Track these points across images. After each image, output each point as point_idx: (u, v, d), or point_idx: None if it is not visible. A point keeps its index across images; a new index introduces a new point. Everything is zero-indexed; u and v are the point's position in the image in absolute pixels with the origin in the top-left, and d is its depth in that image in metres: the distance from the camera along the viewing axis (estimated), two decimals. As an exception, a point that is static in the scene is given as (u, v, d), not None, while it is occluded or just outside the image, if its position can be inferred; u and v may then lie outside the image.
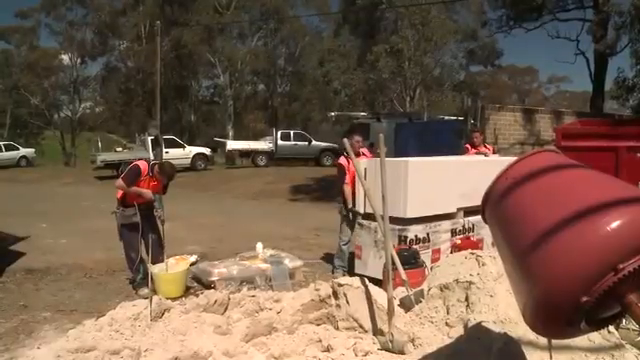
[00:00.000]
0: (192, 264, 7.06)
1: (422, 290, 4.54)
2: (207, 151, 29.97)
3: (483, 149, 8.71)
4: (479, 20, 31.81)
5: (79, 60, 46.40)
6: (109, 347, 3.99)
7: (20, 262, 8.34)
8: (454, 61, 37.33)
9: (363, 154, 7.26)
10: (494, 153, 9.04)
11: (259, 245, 7.57)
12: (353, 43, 36.37)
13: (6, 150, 34.52)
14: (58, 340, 4.60)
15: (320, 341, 4.23)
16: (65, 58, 46.69)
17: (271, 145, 29.55)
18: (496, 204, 1.94)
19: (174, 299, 5.34)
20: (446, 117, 24.50)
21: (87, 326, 4.51)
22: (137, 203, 6.48)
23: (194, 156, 28.37)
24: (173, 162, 8.12)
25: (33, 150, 38.48)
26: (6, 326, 5.55)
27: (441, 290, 4.27)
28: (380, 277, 5.57)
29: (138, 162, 6.69)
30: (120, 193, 6.57)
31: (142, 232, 6.53)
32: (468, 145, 8.95)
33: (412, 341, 4.04)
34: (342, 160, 7.22)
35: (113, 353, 3.95)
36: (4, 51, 48.27)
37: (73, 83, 46.31)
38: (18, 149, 36.08)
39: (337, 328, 4.45)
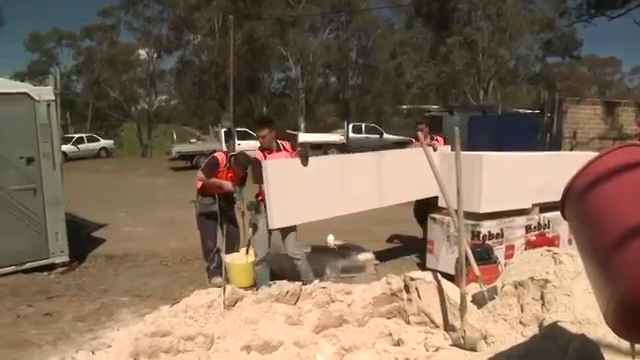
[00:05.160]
0: (264, 255, 7.15)
1: (495, 287, 4.45)
2: (278, 143, 30.19)
3: (429, 141, 7.66)
4: (557, 9, 30.76)
5: (155, 54, 47.86)
6: (184, 333, 4.10)
7: (101, 248, 8.74)
8: (530, 53, 36.38)
9: (284, 149, 6.17)
10: (445, 144, 7.76)
11: (330, 237, 7.60)
12: (425, 35, 36.00)
13: (88, 142, 36.02)
14: (136, 323, 4.79)
15: (391, 335, 4.23)
16: (142, 53, 48.33)
17: (342, 138, 29.57)
18: (577, 200, 1.88)
19: (247, 288, 5.43)
20: (521, 110, 23.89)
21: (163, 312, 4.65)
22: (217, 194, 6.63)
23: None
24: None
25: (112, 142, 40.00)
26: (89, 308, 5.85)
27: (515, 287, 4.18)
28: (452, 272, 5.50)
29: (216, 154, 6.83)
30: (200, 184, 6.72)
31: (219, 222, 6.68)
32: (413, 139, 8.29)
33: (484, 338, 3.97)
34: (259, 155, 6.01)
35: (187, 339, 4.06)
36: (88, 48, 50.64)
37: (150, 77, 47.87)
38: (98, 140, 37.62)
39: (408, 322, 4.43)
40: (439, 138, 7.75)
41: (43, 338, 5.07)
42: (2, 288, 6.69)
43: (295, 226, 5.97)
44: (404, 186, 6.82)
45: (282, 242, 6.00)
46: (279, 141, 6.15)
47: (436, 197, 6.89)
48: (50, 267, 7.41)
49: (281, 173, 5.73)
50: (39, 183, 7.32)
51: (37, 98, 7.24)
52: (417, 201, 7.65)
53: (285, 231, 5.90)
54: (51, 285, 6.91)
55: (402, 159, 7.16)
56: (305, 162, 5.83)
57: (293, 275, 6.06)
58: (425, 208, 7.39)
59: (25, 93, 7.23)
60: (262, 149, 6.01)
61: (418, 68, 34.36)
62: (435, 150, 7.24)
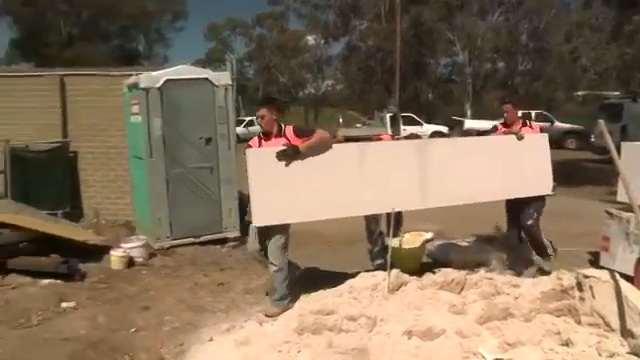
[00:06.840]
0: (427, 241, 7.09)
1: (684, 293, 4.07)
2: (444, 129, 29.92)
3: (519, 129, 6.10)
4: None
5: (323, 40, 49.33)
6: (347, 313, 4.22)
7: (268, 226, 9.15)
8: None
9: (285, 135, 5.12)
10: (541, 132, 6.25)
11: (497, 226, 7.40)
12: (606, 15, 33.35)
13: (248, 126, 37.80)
14: (301, 300, 4.99)
15: (559, 333, 4.03)
16: (310, 39, 50.01)
17: (511, 125, 28.47)
18: None
19: (411, 274, 5.40)
20: None
21: (327, 291, 4.81)
22: None
23: (431, 134, 28.62)
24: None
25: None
26: (257, 282, 6.21)
27: None
28: (630, 273, 5.12)
29: (382, 136, 6.93)
30: None
31: None
32: (499, 124, 6.52)
33: (669, 350, 3.65)
34: (254, 142, 5.23)
35: (350, 319, 4.17)
36: (259, 36, 53.52)
37: (317, 62, 49.51)
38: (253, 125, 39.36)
39: (579, 322, 4.19)
40: (534, 125, 6.39)
41: (216, 306, 5.50)
42: (182, 257, 7.33)
43: (287, 227, 5.17)
44: (468, 183, 5.59)
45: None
46: (284, 125, 5.21)
47: (532, 199, 5.95)
48: (222, 241, 7.94)
49: (267, 163, 4.89)
50: (215, 162, 7.86)
51: (216, 83, 7.80)
52: (508, 201, 6.30)
53: (270, 231, 5.10)
54: (223, 258, 7.42)
55: (467, 148, 6.03)
56: (283, 158, 4.88)
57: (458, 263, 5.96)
58: (517, 211, 6.21)
59: (206, 79, 7.82)
60: (260, 134, 5.26)
61: (597, 51, 31.97)
62: (520, 139, 5.94)
